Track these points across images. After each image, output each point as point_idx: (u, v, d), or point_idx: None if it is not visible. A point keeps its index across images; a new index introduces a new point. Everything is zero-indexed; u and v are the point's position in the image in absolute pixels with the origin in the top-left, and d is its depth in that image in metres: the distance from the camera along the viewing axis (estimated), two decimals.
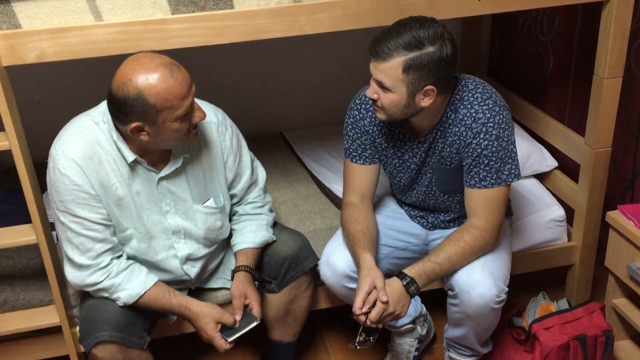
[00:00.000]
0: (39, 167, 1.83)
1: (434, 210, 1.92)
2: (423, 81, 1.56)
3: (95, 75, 2.47)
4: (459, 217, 1.91)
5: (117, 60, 1.54)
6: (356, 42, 2.69)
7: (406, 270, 1.72)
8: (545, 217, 2.17)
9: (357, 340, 1.70)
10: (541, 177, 2.37)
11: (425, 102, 1.61)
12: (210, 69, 2.65)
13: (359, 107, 1.81)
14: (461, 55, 2.77)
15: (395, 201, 2.05)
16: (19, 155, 1.60)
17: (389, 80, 1.57)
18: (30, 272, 1.93)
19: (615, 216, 1.91)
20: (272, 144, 2.72)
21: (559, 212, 2.18)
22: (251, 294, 1.72)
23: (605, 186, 2.09)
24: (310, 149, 2.64)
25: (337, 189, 2.34)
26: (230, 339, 1.67)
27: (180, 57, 1.61)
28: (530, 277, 2.25)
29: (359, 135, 1.82)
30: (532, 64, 2.61)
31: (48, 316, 1.82)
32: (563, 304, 1.98)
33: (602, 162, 2.04)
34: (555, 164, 2.36)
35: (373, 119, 1.79)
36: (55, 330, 1.85)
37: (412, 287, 1.68)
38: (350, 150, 1.85)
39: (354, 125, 1.82)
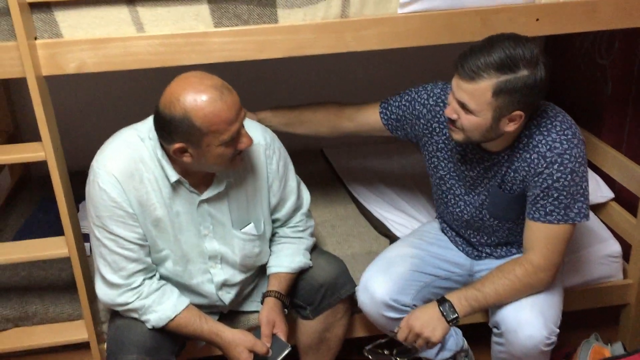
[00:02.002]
0: (77, 176, 1.81)
1: (478, 231, 1.81)
2: (512, 106, 1.46)
3: (139, 87, 2.45)
4: (506, 244, 1.80)
5: (160, 73, 1.50)
6: (402, 58, 2.60)
7: (446, 295, 1.64)
8: (599, 252, 2.04)
9: (371, 346, 1.67)
10: (595, 208, 2.23)
11: (510, 127, 1.50)
12: (251, 82, 2.60)
13: (429, 93, 1.72)
14: None
15: (438, 227, 1.95)
16: (54, 167, 1.57)
17: (474, 103, 1.46)
18: (61, 284, 1.90)
19: None
20: (311, 160, 2.65)
21: (614, 247, 2.05)
22: (279, 323, 1.65)
23: None
24: (350, 168, 2.56)
25: (377, 211, 2.25)
26: None
27: (222, 68, 1.56)
28: (581, 315, 2.11)
29: (411, 116, 1.74)
30: (588, 87, 2.48)
31: (77, 331, 1.79)
32: (618, 348, 1.85)
33: None
34: (611, 195, 2.22)
35: (438, 116, 1.69)
36: (83, 346, 1.81)
37: (449, 311, 1.60)
38: (389, 107, 1.78)
39: (413, 104, 1.74)
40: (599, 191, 2.22)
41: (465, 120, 1.50)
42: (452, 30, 1.64)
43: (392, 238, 2.13)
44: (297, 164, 2.55)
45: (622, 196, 2.24)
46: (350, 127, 1.87)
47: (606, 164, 2.20)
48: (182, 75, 1.47)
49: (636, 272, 2.03)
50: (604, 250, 2.04)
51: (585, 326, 2.11)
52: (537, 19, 1.66)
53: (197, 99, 1.41)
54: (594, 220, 2.16)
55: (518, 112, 1.47)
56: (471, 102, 1.46)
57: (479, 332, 1.91)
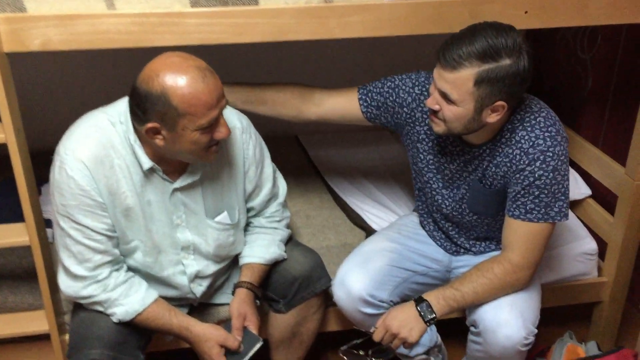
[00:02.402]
0: (39, 157, 1.71)
1: (457, 225, 1.77)
2: (494, 96, 1.42)
3: (109, 67, 2.34)
4: (485, 239, 1.77)
5: (132, 53, 1.41)
6: (383, 44, 2.54)
7: (424, 294, 1.60)
8: (575, 249, 2.03)
9: (346, 346, 1.64)
10: (572, 205, 2.21)
11: (493, 118, 1.47)
12: (223, 64, 2.50)
13: (414, 81, 1.66)
14: None
15: (417, 221, 1.91)
16: (15, 151, 1.47)
17: (456, 93, 1.42)
18: (21, 272, 1.81)
19: None
20: (286, 147, 2.58)
21: (591, 245, 2.04)
22: (251, 315, 1.59)
23: None
24: (326, 156, 2.50)
25: (353, 202, 2.20)
26: None
27: (192, 50, 1.47)
28: (555, 312, 2.11)
29: (393, 103, 1.68)
30: (568, 81, 2.46)
31: (37, 322, 1.70)
32: (592, 347, 1.84)
33: None
34: (588, 192, 2.21)
35: (422, 105, 1.64)
36: (43, 337, 1.72)
37: (427, 311, 1.57)
38: (369, 93, 1.71)
39: (397, 91, 1.67)
40: (576, 188, 2.20)
41: (447, 110, 1.46)
42: (439, 20, 1.58)
43: (368, 230, 2.08)
44: (271, 150, 2.46)
45: (600, 193, 2.23)
46: (316, 112, 1.77)
47: (584, 160, 2.19)
48: (166, 53, 1.39)
49: (611, 270, 2.02)
50: (580, 248, 2.03)
51: (558, 323, 2.10)
52: (526, 12, 1.61)
53: (177, 77, 1.33)
54: (571, 218, 2.13)
55: (501, 103, 1.44)
56: (453, 91, 1.42)
57: (453, 328, 1.88)
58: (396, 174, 2.33)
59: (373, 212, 2.15)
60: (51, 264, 1.65)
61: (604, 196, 2.20)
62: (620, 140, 2.21)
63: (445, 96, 1.45)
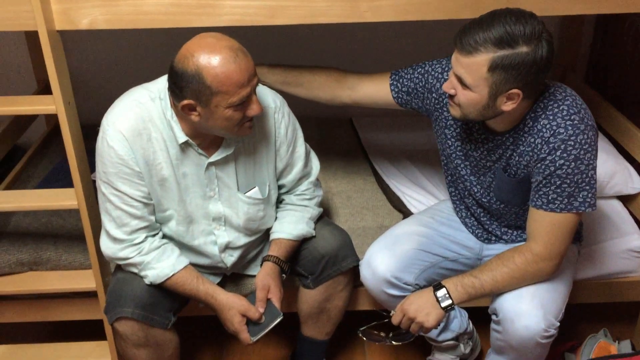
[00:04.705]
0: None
1: (488, 211, 1.76)
2: (509, 84, 1.41)
3: (156, 45, 2.44)
4: (516, 227, 1.75)
5: (176, 33, 1.50)
6: (439, 27, 2.51)
7: (443, 281, 1.61)
8: (621, 245, 1.95)
9: (366, 327, 1.66)
10: (625, 199, 2.12)
11: (508, 106, 1.45)
12: (281, 47, 2.57)
13: (444, 67, 1.67)
14: (556, 54, 2.52)
15: (451, 208, 1.91)
16: (64, 121, 1.60)
17: (470, 78, 1.42)
18: (77, 234, 1.95)
19: None
20: (338, 129, 2.61)
21: (638, 241, 1.95)
22: (274, 288, 1.66)
23: None
24: (376, 139, 2.51)
25: (395, 185, 2.21)
26: (255, 338, 1.62)
27: (230, 32, 1.53)
28: (596, 309, 2.04)
29: (423, 89, 1.69)
30: (634, 71, 2.33)
31: (85, 280, 1.84)
32: (625, 346, 1.77)
33: None
34: None
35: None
36: (92, 294, 1.87)
37: (444, 298, 1.57)
38: (400, 79, 1.73)
39: (427, 77, 1.69)
40: (630, 182, 2.10)
41: (462, 95, 1.46)
42: (474, 4, 1.56)
43: (406, 214, 2.09)
44: (325, 132, 2.52)
45: None
46: (351, 96, 1.81)
47: None
48: (201, 34, 1.47)
49: None
50: (626, 244, 1.95)
51: (598, 320, 2.03)
52: None
53: (210, 57, 1.41)
54: (621, 211, 2.06)
55: (516, 91, 1.41)
56: (467, 76, 1.42)
57: (486, 315, 1.86)
58: None
59: (414, 195, 2.15)
60: (99, 227, 1.78)
61: None
62: None
63: (460, 80, 1.44)
